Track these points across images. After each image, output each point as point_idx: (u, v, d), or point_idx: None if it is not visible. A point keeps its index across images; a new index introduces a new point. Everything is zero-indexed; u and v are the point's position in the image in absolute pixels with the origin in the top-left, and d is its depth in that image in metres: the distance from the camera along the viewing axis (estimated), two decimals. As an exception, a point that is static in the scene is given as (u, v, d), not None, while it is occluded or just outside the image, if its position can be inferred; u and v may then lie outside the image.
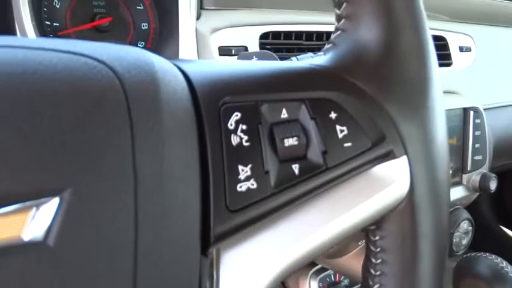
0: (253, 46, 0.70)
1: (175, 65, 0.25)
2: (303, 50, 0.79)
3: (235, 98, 0.24)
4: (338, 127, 0.25)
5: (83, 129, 0.19)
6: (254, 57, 0.36)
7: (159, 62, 0.24)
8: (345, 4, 0.28)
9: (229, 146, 0.23)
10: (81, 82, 0.20)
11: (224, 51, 0.66)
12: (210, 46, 0.65)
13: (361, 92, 0.26)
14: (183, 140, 0.22)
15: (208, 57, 0.64)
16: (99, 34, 0.62)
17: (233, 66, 0.27)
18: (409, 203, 0.27)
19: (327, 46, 0.29)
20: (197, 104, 0.24)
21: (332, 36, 0.29)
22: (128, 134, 0.20)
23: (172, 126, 0.22)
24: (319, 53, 0.30)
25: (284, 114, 0.25)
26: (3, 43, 0.20)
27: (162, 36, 0.65)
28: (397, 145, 0.26)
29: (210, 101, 0.24)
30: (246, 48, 0.69)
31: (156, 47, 0.65)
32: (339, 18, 0.28)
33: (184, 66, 0.25)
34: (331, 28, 0.91)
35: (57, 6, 0.59)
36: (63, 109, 0.19)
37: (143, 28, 0.65)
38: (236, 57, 0.67)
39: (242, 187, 0.23)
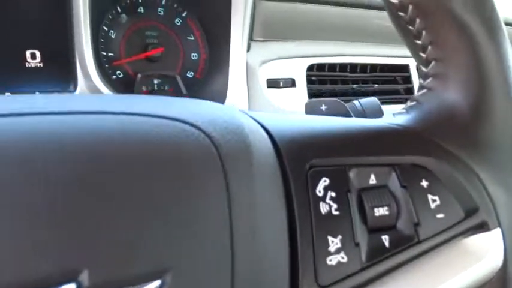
0: (300, 78, 0.69)
1: (259, 122, 0.25)
2: (346, 82, 0.78)
3: (322, 161, 0.23)
4: (430, 196, 0.24)
5: (184, 204, 0.18)
6: (323, 105, 0.35)
7: (247, 124, 0.23)
8: (433, 63, 0.27)
9: (318, 215, 0.22)
10: (182, 153, 0.19)
11: (272, 83, 0.66)
12: (259, 78, 0.65)
13: (452, 158, 0.25)
14: (274, 211, 0.21)
15: (256, 89, 0.64)
16: (150, 64, 0.62)
17: (316, 124, 0.26)
18: (501, 278, 0.25)
19: (410, 104, 0.28)
20: (283, 167, 0.23)
21: (417, 94, 0.28)
22: (226, 210, 0.19)
23: (265, 196, 0.21)
24: (401, 110, 0.28)
25: (372, 180, 0.24)
26: (99, 108, 0.20)
27: (212, 67, 0.65)
28: (491, 216, 0.25)
29: (297, 164, 0.23)
30: (293, 81, 0.68)
31: (205, 78, 0.65)
32: (425, 76, 0.27)
33: (268, 124, 0.25)
34: (374, 60, 0.89)
35: (113, 37, 0.60)
36: (167, 181, 0.18)
37: (193, 58, 0.65)
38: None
39: (332, 260, 0.22)
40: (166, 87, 0.63)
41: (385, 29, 0.85)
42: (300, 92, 0.69)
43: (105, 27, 0.59)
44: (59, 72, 0.56)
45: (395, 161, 0.24)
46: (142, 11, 0.62)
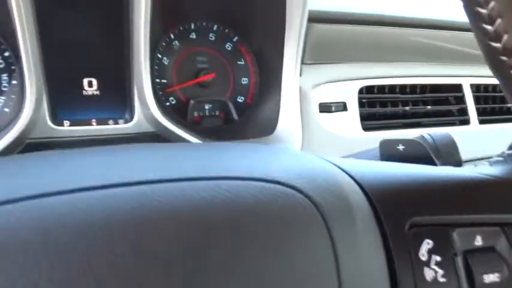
0: (352, 101, 0.67)
1: (350, 175, 0.23)
2: (396, 104, 0.76)
3: (422, 219, 0.22)
4: None
5: (295, 269, 0.17)
6: (400, 145, 0.33)
7: (343, 179, 0.22)
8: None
9: (423, 281, 0.21)
10: (288, 219, 0.18)
11: (324, 108, 0.64)
12: (311, 102, 0.63)
13: None
14: (378, 274, 0.20)
15: (308, 114, 0.62)
16: (201, 89, 0.62)
17: (408, 174, 0.24)
18: None
19: (508, 152, 0.26)
20: (381, 225, 0.22)
21: (516, 141, 0.26)
22: (334, 277, 0.18)
23: (369, 258, 0.20)
24: (498, 159, 0.26)
25: (478, 242, 0.22)
26: (199, 173, 0.19)
27: (263, 92, 0.64)
28: None
29: (396, 223, 0.22)
30: (344, 105, 0.67)
31: (256, 102, 0.64)
32: None
33: (359, 177, 0.23)
34: (425, 80, 0.85)
35: (166, 64, 0.60)
36: (275, 247, 0.17)
37: (243, 83, 0.65)
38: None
39: None
40: (217, 113, 0.63)
41: (435, 48, 0.82)
42: (352, 116, 0.67)
43: (159, 55, 0.59)
44: (116, 100, 0.56)
45: (503, 220, 0.22)
46: (194, 37, 0.62)
